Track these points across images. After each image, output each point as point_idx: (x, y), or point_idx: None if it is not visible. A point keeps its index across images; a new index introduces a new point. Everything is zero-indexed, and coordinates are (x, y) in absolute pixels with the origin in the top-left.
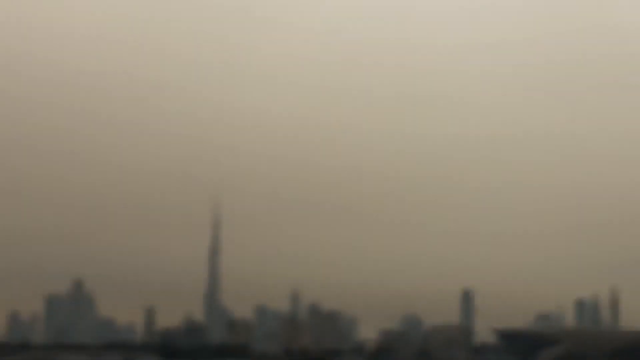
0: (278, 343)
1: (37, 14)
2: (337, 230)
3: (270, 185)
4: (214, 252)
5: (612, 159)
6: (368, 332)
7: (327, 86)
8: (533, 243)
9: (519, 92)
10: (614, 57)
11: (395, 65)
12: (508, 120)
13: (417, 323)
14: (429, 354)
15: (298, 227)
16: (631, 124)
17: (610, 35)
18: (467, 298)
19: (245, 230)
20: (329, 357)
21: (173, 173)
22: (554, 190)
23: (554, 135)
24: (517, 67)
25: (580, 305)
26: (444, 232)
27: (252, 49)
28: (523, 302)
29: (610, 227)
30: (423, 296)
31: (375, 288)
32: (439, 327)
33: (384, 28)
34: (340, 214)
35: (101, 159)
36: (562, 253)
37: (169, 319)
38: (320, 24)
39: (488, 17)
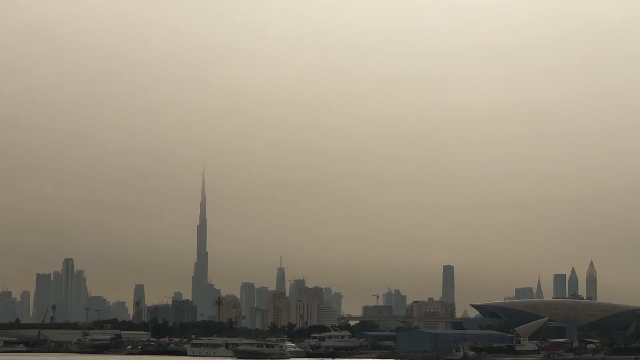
0: (264, 319)
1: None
2: (321, 209)
3: (256, 165)
4: (202, 231)
5: (593, 149)
6: (352, 308)
7: (316, 66)
8: (513, 221)
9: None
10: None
11: (384, 43)
12: (492, 101)
13: (400, 299)
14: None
15: (283, 206)
16: (607, 120)
17: None
18: (448, 274)
19: (232, 209)
20: (314, 332)
21: (160, 154)
22: (535, 173)
23: (537, 124)
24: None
25: (559, 280)
26: (427, 211)
27: (249, 30)
28: (504, 277)
29: (589, 207)
30: (405, 273)
31: (359, 265)
32: (421, 302)
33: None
34: (325, 194)
35: (91, 141)
36: (541, 231)
37: (158, 296)
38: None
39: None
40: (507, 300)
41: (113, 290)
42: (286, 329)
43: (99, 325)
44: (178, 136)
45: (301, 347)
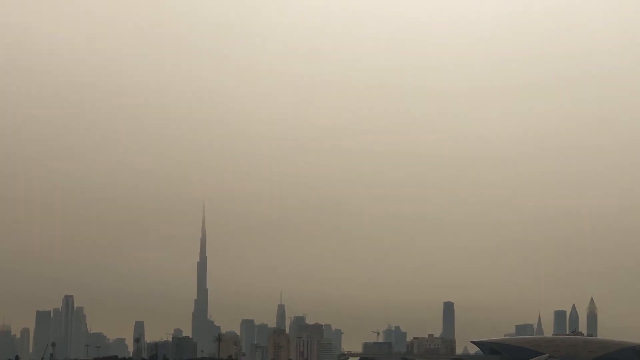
0: (265, 356)
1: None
2: (321, 246)
3: (256, 202)
4: (202, 268)
5: (591, 180)
6: (352, 345)
7: (315, 104)
8: (514, 257)
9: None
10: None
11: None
12: (491, 138)
13: (400, 335)
14: None
15: (283, 243)
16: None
17: None
18: (448, 311)
19: (232, 246)
20: None
21: (160, 191)
22: (534, 208)
23: (533, 157)
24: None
25: (559, 316)
26: (426, 247)
27: (246, 68)
28: (504, 314)
29: (589, 242)
30: (406, 309)
31: (359, 302)
32: (421, 339)
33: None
34: (324, 230)
35: (90, 177)
36: (541, 267)
37: (158, 333)
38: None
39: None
40: (508, 337)
41: (113, 327)
42: None
43: None
44: (178, 172)
45: None
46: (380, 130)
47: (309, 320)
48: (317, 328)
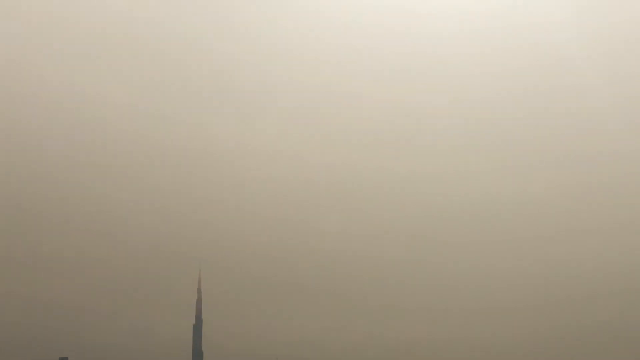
0: None
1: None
2: (315, 309)
3: (253, 263)
4: (197, 330)
5: (589, 231)
6: None
7: (312, 164)
8: (512, 325)
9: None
10: None
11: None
12: (487, 199)
13: None
14: None
15: (279, 305)
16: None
17: None
18: None
19: (228, 308)
20: None
21: (155, 251)
22: (530, 263)
23: (532, 218)
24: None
25: None
26: (424, 313)
27: (245, 122)
28: None
29: (586, 309)
30: None
31: None
32: None
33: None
34: (319, 294)
35: (84, 236)
36: (540, 334)
37: None
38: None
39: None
40: None
41: None
42: None
43: None
44: (174, 233)
45: None
46: (379, 188)
47: None
48: None
